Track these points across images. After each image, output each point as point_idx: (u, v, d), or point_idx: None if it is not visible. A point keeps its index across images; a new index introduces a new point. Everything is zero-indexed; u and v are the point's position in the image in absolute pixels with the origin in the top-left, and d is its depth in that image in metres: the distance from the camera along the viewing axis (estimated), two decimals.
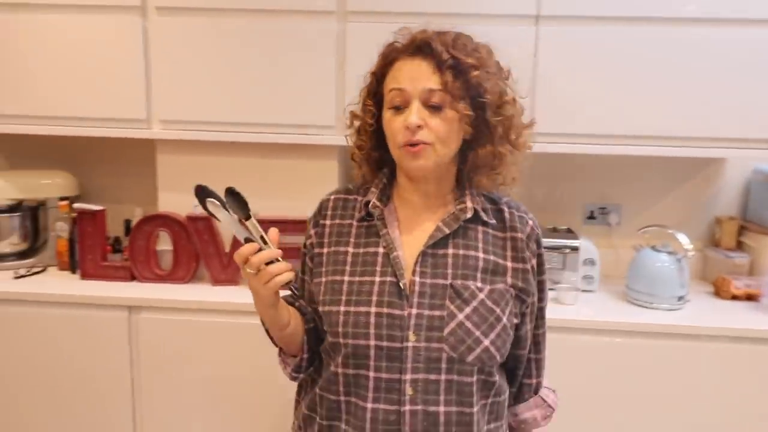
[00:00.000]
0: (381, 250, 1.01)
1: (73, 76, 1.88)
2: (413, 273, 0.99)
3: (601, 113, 1.81)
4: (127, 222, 2.04)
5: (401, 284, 0.97)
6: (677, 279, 1.78)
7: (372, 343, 0.95)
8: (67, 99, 1.89)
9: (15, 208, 2.04)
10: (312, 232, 1.09)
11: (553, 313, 1.72)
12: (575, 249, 1.92)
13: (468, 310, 0.96)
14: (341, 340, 0.98)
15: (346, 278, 1.01)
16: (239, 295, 1.80)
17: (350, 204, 1.08)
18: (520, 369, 1.12)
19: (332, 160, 1.90)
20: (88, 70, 1.87)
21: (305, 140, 1.85)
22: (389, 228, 1.03)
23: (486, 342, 0.95)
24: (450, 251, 1.00)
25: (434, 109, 0.96)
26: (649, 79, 1.79)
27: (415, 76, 0.96)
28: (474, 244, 1.02)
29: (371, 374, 0.96)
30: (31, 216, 2.08)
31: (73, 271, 1.98)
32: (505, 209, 1.06)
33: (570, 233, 2.01)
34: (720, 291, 1.91)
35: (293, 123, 1.84)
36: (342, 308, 0.98)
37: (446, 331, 0.95)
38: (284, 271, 0.92)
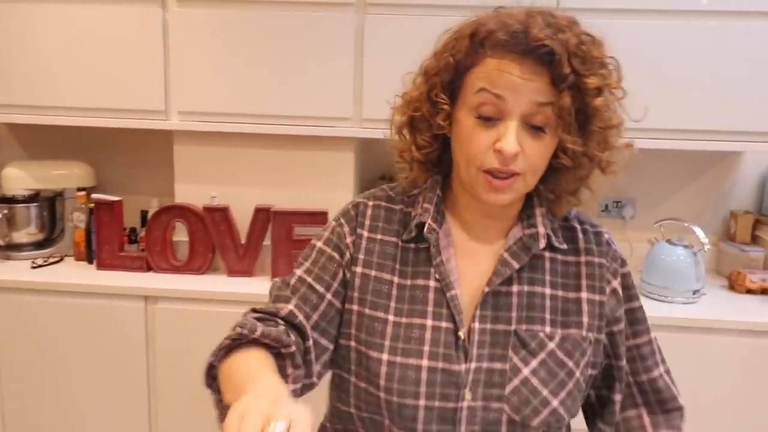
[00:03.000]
0: (433, 284, 0.83)
1: (92, 67, 1.88)
2: (473, 318, 0.82)
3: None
4: (144, 213, 2.05)
5: (460, 333, 0.81)
6: (693, 273, 1.78)
7: (422, 403, 0.79)
8: (87, 90, 1.89)
9: (32, 198, 2.05)
10: (349, 240, 0.87)
11: None
12: None
13: (534, 363, 0.80)
14: (383, 395, 0.81)
15: (391, 317, 0.82)
16: (254, 286, 1.80)
17: (395, 217, 0.88)
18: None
19: (349, 151, 1.90)
20: (108, 61, 1.88)
21: (322, 132, 1.85)
22: (443, 255, 0.84)
23: (555, 403, 0.79)
24: (515, 289, 0.83)
25: (535, 130, 0.75)
26: (663, 72, 1.79)
27: (521, 86, 0.73)
28: (540, 277, 0.84)
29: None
30: (49, 206, 2.09)
31: (90, 262, 1.99)
32: (577, 226, 0.88)
33: None
34: (735, 285, 1.91)
35: (310, 115, 1.85)
36: (385, 356, 0.81)
37: (508, 389, 0.79)
38: None
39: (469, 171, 0.78)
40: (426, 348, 0.80)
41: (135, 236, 2.02)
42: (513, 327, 0.81)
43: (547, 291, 0.83)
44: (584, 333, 0.83)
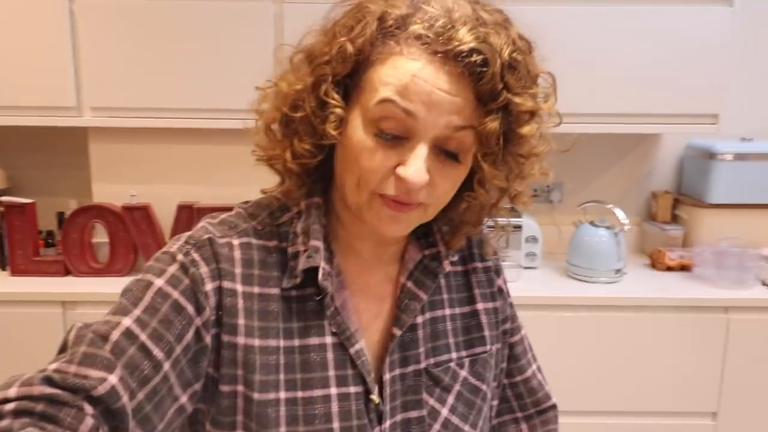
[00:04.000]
0: (330, 339, 0.66)
1: None
2: (382, 367, 0.69)
3: None
4: (60, 215, 1.95)
5: (373, 396, 0.67)
6: (614, 253, 1.82)
7: None
8: None
9: None
10: (209, 287, 0.63)
11: None
12: (518, 227, 1.95)
13: (451, 399, 0.71)
14: None
15: (282, 394, 0.64)
16: None
17: (270, 259, 0.67)
18: None
19: None
20: (13, 56, 1.77)
21: (246, 124, 1.80)
22: (337, 301, 0.68)
23: None
24: (419, 320, 0.71)
25: (447, 156, 0.61)
26: (583, 58, 1.82)
27: (439, 102, 0.58)
28: (439, 298, 0.74)
29: None
30: None
31: (3, 268, 1.89)
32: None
33: (513, 211, 2.04)
34: (656, 263, 1.98)
35: (233, 107, 1.79)
36: None
37: None
38: None
39: (360, 194, 0.62)
40: (336, 425, 0.64)
41: (52, 239, 1.93)
42: (422, 365, 0.70)
43: (447, 312, 0.74)
44: (488, 348, 0.76)
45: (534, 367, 0.86)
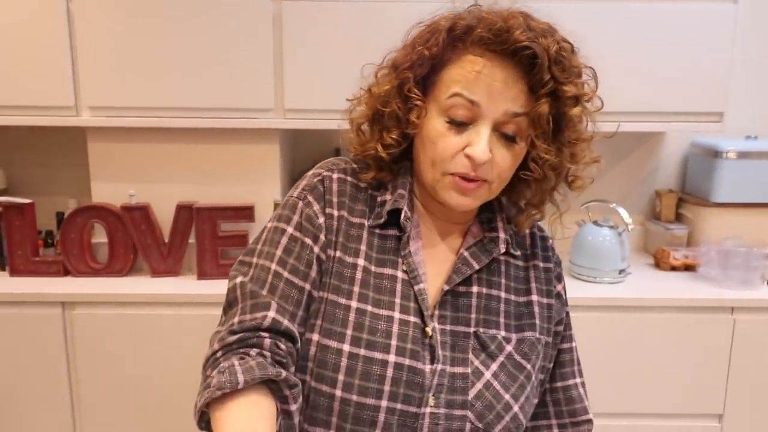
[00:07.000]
0: (401, 275, 0.78)
1: None
2: (432, 316, 0.78)
3: None
4: (60, 215, 1.94)
5: (428, 329, 0.76)
6: (618, 252, 1.80)
7: (384, 404, 0.72)
8: None
9: None
10: (321, 221, 0.79)
11: None
12: None
13: (495, 366, 0.78)
14: (339, 393, 0.73)
15: (354, 303, 0.76)
16: (180, 287, 1.74)
17: (360, 195, 0.82)
18: None
19: (273, 143, 1.85)
20: (10, 55, 1.76)
21: (243, 124, 1.79)
22: (412, 246, 0.80)
23: (516, 408, 0.77)
24: (474, 289, 0.80)
25: (506, 139, 0.73)
26: (589, 55, 1.79)
27: (498, 92, 0.71)
28: (497, 280, 0.82)
29: None
30: None
31: (3, 268, 1.88)
32: (525, 230, 0.87)
33: None
34: (660, 262, 1.95)
35: (230, 106, 1.78)
36: (346, 347, 0.74)
37: (472, 393, 0.75)
38: None
39: (434, 173, 0.76)
40: (393, 342, 0.74)
41: (52, 239, 1.92)
42: (472, 329, 0.79)
43: (503, 295, 0.82)
44: (537, 335, 0.82)
45: (578, 380, 0.89)
